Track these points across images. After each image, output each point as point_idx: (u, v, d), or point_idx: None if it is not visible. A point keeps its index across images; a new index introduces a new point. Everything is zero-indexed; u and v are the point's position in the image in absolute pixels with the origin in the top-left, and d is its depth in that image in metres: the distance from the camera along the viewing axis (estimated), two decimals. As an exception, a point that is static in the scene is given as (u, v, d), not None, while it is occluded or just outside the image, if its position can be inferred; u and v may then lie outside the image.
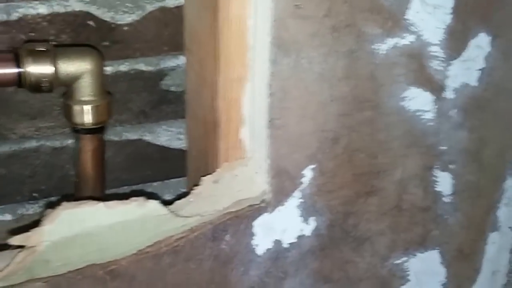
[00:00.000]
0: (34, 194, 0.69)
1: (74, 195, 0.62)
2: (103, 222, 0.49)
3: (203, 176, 0.56)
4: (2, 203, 0.68)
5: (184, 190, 0.75)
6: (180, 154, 0.74)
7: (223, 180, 0.55)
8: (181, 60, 0.70)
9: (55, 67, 0.54)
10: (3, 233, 0.68)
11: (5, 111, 0.64)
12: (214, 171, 0.56)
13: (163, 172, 0.74)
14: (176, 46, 0.69)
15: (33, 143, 0.67)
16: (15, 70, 0.53)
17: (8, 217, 0.69)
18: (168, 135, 0.73)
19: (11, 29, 0.62)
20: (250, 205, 0.54)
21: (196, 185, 0.55)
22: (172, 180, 0.75)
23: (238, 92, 0.53)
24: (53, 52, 0.54)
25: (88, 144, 0.58)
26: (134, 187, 0.73)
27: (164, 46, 0.69)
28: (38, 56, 0.53)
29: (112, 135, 0.69)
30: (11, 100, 0.64)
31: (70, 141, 0.68)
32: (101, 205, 0.50)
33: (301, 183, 0.54)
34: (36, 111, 0.65)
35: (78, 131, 0.58)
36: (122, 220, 0.50)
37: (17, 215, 0.69)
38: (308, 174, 0.54)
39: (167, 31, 0.69)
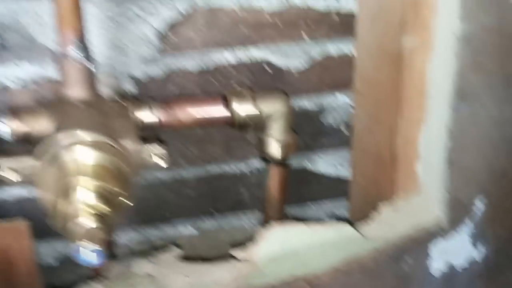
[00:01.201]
0: (211, 210, 0.79)
1: (263, 214, 0.71)
2: (305, 240, 0.58)
3: (372, 202, 0.64)
4: (185, 217, 0.79)
5: (339, 211, 0.84)
6: (335, 180, 0.83)
7: (400, 208, 0.63)
8: (338, 99, 0.79)
9: (258, 109, 0.63)
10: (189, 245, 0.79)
11: (193, 142, 0.75)
12: (388, 200, 0.64)
13: (320, 195, 0.83)
14: (335, 87, 0.79)
15: (216, 169, 0.77)
16: (227, 114, 0.63)
17: (190, 228, 0.80)
18: (325, 163, 0.83)
19: (207, 76, 0.73)
20: (427, 231, 0.61)
21: (373, 211, 0.64)
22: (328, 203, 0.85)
23: (415, 132, 0.61)
24: (254, 97, 0.64)
25: (276, 173, 0.68)
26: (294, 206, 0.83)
27: (325, 87, 0.79)
28: (243, 100, 0.63)
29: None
30: (197, 134, 0.74)
31: (245, 169, 0.78)
32: (303, 226, 0.59)
33: (472, 212, 0.62)
34: (219, 143, 0.76)
35: (270, 161, 0.67)
36: (320, 240, 0.59)
37: (196, 227, 0.80)
38: (478, 204, 0.61)
39: (328, 75, 0.78)
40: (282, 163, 0.67)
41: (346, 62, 0.77)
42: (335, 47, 0.77)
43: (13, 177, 0.51)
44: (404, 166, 0.63)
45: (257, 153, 0.73)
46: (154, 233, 0.79)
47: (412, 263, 0.61)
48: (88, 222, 0.44)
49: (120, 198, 0.47)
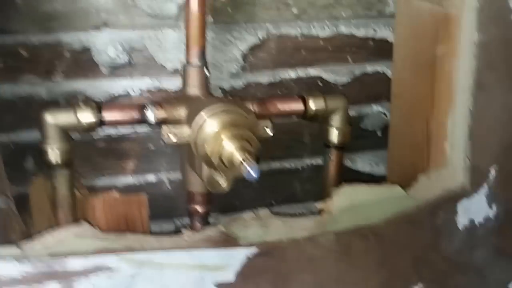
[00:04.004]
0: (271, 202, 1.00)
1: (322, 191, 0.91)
2: (367, 197, 0.79)
3: (408, 177, 0.85)
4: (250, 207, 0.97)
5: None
6: (369, 176, 1.04)
7: (433, 177, 0.84)
8: (374, 108, 1.01)
9: (326, 106, 0.85)
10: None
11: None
12: (423, 172, 0.85)
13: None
14: (371, 98, 1.01)
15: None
16: (302, 107, 0.84)
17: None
18: (362, 162, 1.04)
19: (274, 88, 0.95)
20: (455, 193, 0.82)
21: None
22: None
23: (445, 117, 0.83)
24: (323, 96, 0.86)
25: (335, 156, 0.88)
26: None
27: (362, 97, 1.01)
28: (315, 98, 0.85)
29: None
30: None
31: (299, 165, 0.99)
32: (363, 186, 0.80)
33: (488, 178, 0.83)
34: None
35: (330, 147, 0.88)
36: (376, 197, 0.80)
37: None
38: (492, 172, 0.83)
39: (366, 88, 1.00)
40: (339, 147, 0.88)
41: (379, 79, 1.00)
42: (371, 67, 0.99)
43: (172, 138, 0.72)
44: (436, 146, 0.84)
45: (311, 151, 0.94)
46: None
47: (444, 218, 0.82)
48: (243, 154, 0.66)
49: (254, 140, 0.68)
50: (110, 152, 0.88)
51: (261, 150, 0.70)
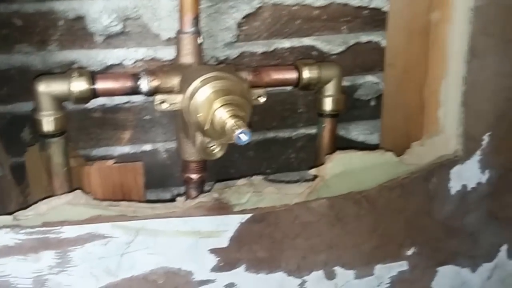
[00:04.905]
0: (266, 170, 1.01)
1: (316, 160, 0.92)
2: (360, 163, 0.79)
3: (401, 145, 0.85)
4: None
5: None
6: (363, 145, 1.04)
7: (426, 144, 0.85)
8: (367, 78, 1.01)
9: (319, 74, 0.85)
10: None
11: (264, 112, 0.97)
12: (417, 141, 0.86)
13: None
14: (365, 68, 1.00)
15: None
16: (295, 76, 0.85)
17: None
18: (357, 131, 1.04)
19: (269, 57, 0.95)
20: (448, 159, 0.83)
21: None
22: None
23: (438, 85, 0.83)
24: (317, 65, 0.86)
25: (329, 123, 0.88)
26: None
27: (357, 68, 1.01)
28: (310, 67, 0.85)
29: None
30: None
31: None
32: (356, 152, 0.80)
33: (481, 144, 0.83)
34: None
35: (324, 115, 0.89)
36: (369, 164, 0.80)
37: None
38: (486, 138, 0.83)
39: (359, 58, 1.00)
40: (333, 115, 0.88)
41: (373, 49, 0.99)
42: (365, 37, 0.99)
43: (164, 106, 0.72)
44: (429, 113, 0.85)
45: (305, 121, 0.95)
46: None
47: (436, 184, 0.83)
48: (235, 120, 0.66)
49: (246, 107, 0.69)
50: (106, 122, 0.88)
51: (253, 117, 0.70)
